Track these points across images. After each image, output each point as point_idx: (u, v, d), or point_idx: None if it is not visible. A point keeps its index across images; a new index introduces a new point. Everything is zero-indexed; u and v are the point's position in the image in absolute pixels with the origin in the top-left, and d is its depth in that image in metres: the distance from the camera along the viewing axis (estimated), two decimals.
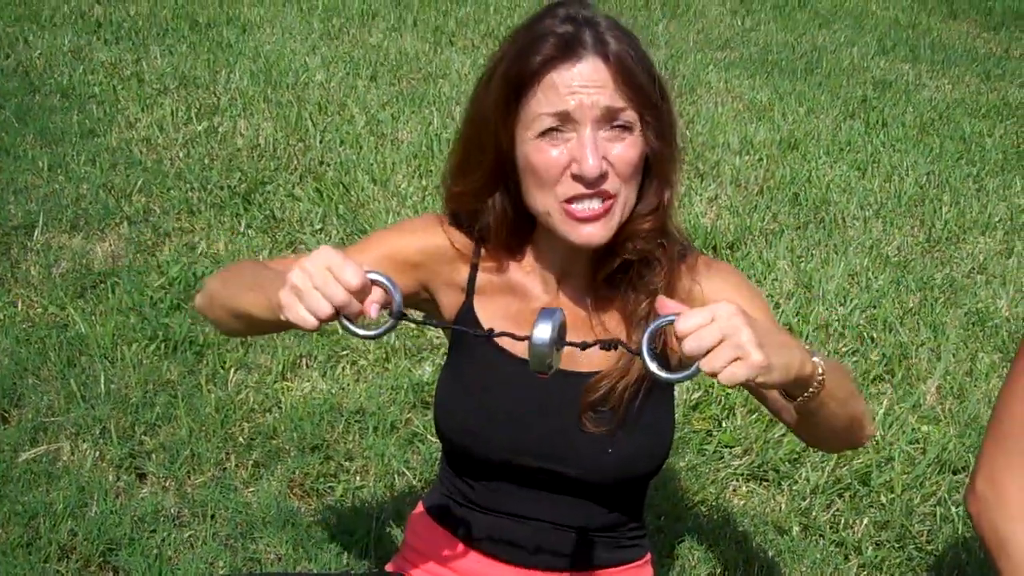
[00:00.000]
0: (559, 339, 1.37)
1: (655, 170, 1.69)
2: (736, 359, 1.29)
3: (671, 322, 1.32)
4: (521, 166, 1.66)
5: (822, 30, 8.95)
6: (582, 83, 1.59)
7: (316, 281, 1.33)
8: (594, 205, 1.63)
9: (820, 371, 1.47)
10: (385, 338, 3.53)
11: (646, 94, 1.62)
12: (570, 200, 1.63)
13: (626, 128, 1.62)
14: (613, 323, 1.78)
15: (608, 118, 1.60)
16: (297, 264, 1.36)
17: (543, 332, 1.35)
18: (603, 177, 1.61)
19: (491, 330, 1.49)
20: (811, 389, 1.47)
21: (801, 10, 9.51)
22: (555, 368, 1.39)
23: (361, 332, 1.36)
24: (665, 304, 1.35)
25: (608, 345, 1.45)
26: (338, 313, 1.34)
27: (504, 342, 1.76)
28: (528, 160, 1.64)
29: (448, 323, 1.66)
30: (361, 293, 1.35)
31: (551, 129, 1.61)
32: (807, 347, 1.47)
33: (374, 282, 1.37)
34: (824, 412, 1.55)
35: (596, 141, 1.60)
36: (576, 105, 1.59)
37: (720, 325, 1.29)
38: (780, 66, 7.72)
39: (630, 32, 1.66)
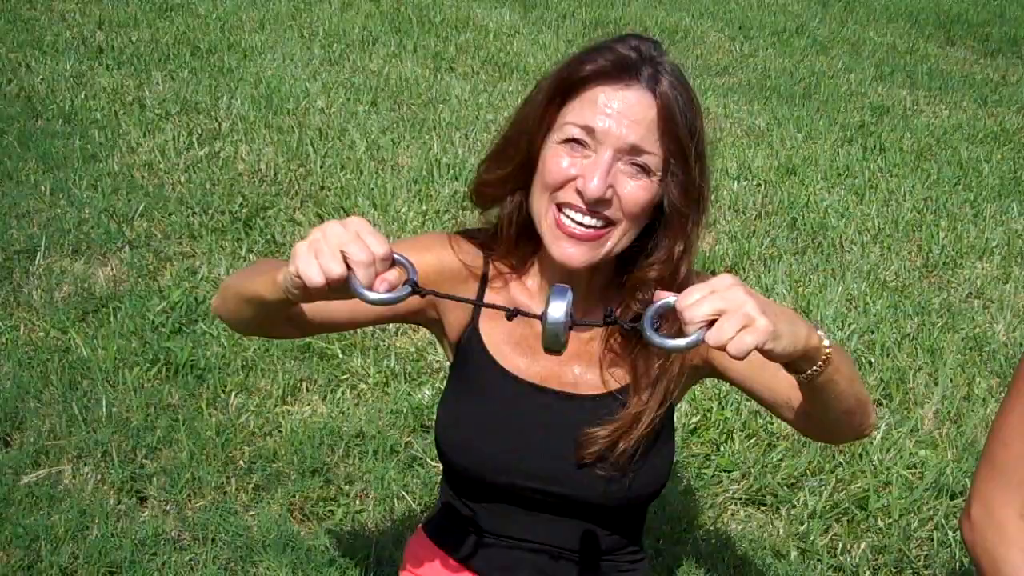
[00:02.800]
0: (571, 316, 1.37)
1: (671, 223, 1.68)
2: (744, 327, 1.27)
3: (672, 304, 1.31)
4: (538, 167, 1.67)
5: (820, 56, 8.99)
6: (622, 108, 1.59)
7: (342, 239, 1.32)
8: (590, 222, 1.63)
9: (827, 344, 1.45)
10: (385, 361, 3.56)
11: (680, 145, 1.61)
12: (564, 205, 1.64)
13: (645, 170, 1.61)
14: (617, 351, 1.79)
15: (631, 153, 1.60)
16: (326, 222, 1.35)
17: (557, 310, 1.35)
18: (604, 203, 1.61)
19: (516, 309, 1.47)
20: (819, 362, 1.45)
21: (799, 36, 9.55)
22: (566, 347, 1.38)
23: (369, 294, 1.34)
24: (661, 293, 1.34)
25: (610, 321, 1.44)
26: (348, 275, 1.32)
27: (507, 364, 1.77)
28: (544, 161, 1.65)
29: (470, 299, 1.64)
30: (382, 264, 1.33)
31: (574, 140, 1.62)
32: (810, 322, 1.46)
33: (394, 261, 1.36)
34: (833, 390, 1.53)
35: (609, 168, 1.60)
36: (604, 128, 1.59)
37: (721, 295, 1.28)
38: (778, 92, 7.75)
39: (690, 86, 1.65)
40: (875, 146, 6.67)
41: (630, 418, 1.74)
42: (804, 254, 4.96)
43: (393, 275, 1.35)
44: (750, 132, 6.70)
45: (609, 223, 1.64)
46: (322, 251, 1.32)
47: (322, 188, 5.04)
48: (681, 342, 1.30)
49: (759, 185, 5.72)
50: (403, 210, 4.86)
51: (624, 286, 1.74)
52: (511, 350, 1.80)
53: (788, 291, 4.49)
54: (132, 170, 5.04)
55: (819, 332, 1.45)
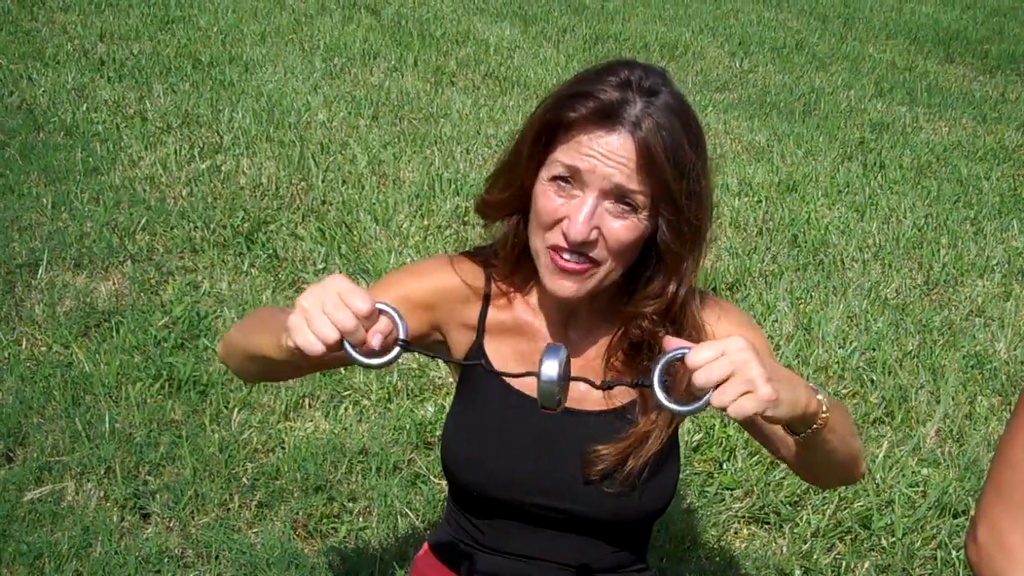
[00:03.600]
0: (566, 375, 1.38)
1: (664, 260, 1.68)
2: (746, 392, 1.32)
3: (683, 356, 1.34)
4: (533, 201, 1.68)
5: (819, 73, 9.01)
6: (604, 152, 1.58)
7: (326, 306, 1.34)
8: (577, 259, 1.64)
9: (824, 408, 1.50)
10: (387, 378, 3.56)
11: (667, 186, 1.60)
12: (554, 247, 1.65)
13: (632, 208, 1.61)
14: (619, 368, 1.79)
15: (616, 195, 1.60)
16: (308, 289, 1.37)
17: (550, 369, 1.36)
18: (589, 244, 1.62)
19: (492, 369, 1.50)
20: (815, 425, 1.50)
21: (799, 53, 9.57)
22: (563, 404, 1.40)
23: (365, 360, 1.37)
24: (671, 341, 1.37)
25: (612, 385, 1.47)
26: (343, 340, 1.35)
27: (512, 379, 1.78)
28: (536, 199, 1.66)
29: (452, 357, 1.67)
30: (368, 321, 1.36)
31: (561, 178, 1.62)
32: (811, 385, 1.50)
33: (381, 311, 1.38)
34: (825, 448, 1.57)
35: (594, 210, 1.60)
36: (588, 168, 1.59)
37: (731, 359, 1.32)
38: (778, 108, 7.77)
39: (684, 116, 1.63)
40: (875, 163, 6.68)
41: (639, 436, 1.75)
42: (805, 271, 4.97)
43: (383, 325, 1.38)
44: (750, 148, 6.71)
45: (594, 262, 1.65)
46: (312, 320, 1.35)
47: (324, 202, 5.04)
48: (687, 408, 1.34)
49: (760, 202, 5.73)
50: (405, 225, 4.87)
51: (622, 313, 1.75)
52: (516, 366, 1.80)
53: (790, 308, 4.49)
54: (134, 183, 5.04)
55: (818, 396, 1.49)
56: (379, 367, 1.38)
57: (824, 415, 1.49)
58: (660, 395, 1.34)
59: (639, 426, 1.75)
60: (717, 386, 1.32)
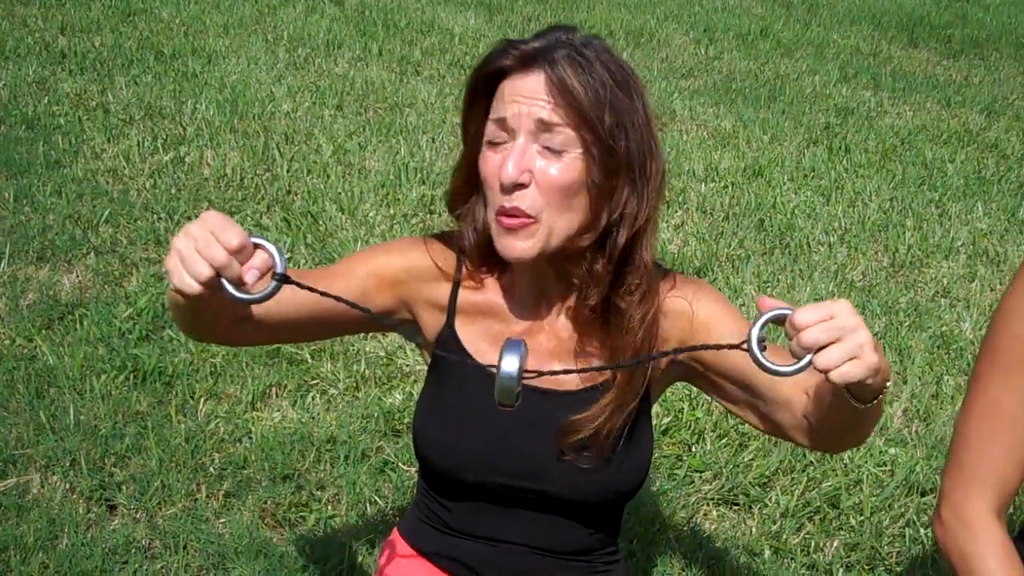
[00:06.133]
0: (523, 371, 1.36)
1: (595, 193, 1.64)
2: (853, 358, 1.30)
3: (787, 316, 1.31)
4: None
5: (784, 59, 9.03)
6: (526, 95, 1.59)
7: (198, 244, 1.32)
8: (515, 212, 1.62)
9: (890, 377, 1.47)
10: (355, 366, 3.55)
11: (585, 117, 1.59)
12: (499, 212, 1.64)
13: (562, 148, 1.60)
14: (595, 347, 1.78)
15: (544, 130, 1.59)
16: (182, 228, 1.35)
17: (510, 364, 1.34)
18: (522, 187, 1.61)
19: (465, 360, 1.47)
20: (881, 394, 1.48)
21: (763, 39, 9.59)
22: (519, 401, 1.38)
23: (241, 296, 1.34)
24: (768, 301, 1.35)
25: (633, 363, 1.44)
26: (219, 276, 1.33)
27: (484, 359, 1.77)
28: (480, 168, 1.67)
29: (354, 303, 1.51)
30: (242, 255, 1.33)
31: (495, 141, 1.63)
32: None
33: (257, 246, 1.35)
34: (874, 413, 1.55)
35: (524, 152, 1.60)
36: (513, 114, 1.60)
37: (840, 323, 1.30)
38: (744, 94, 7.78)
39: (614, 63, 1.63)
40: (840, 147, 6.70)
41: (613, 400, 1.74)
42: (772, 255, 4.98)
43: (259, 261, 1.35)
44: (716, 134, 6.72)
45: (527, 217, 1.62)
46: (185, 258, 1.33)
47: (289, 192, 5.02)
48: (789, 368, 1.31)
49: (726, 187, 5.74)
50: (371, 214, 4.85)
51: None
52: (489, 348, 1.80)
53: (757, 291, 4.50)
54: (96, 176, 5.00)
55: None
56: (254, 302, 1.35)
57: (889, 384, 1.47)
58: (759, 356, 1.32)
59: (611, 390, 1.74)
60: (819, 349, 1.30)
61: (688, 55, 8.82)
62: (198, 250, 1.32)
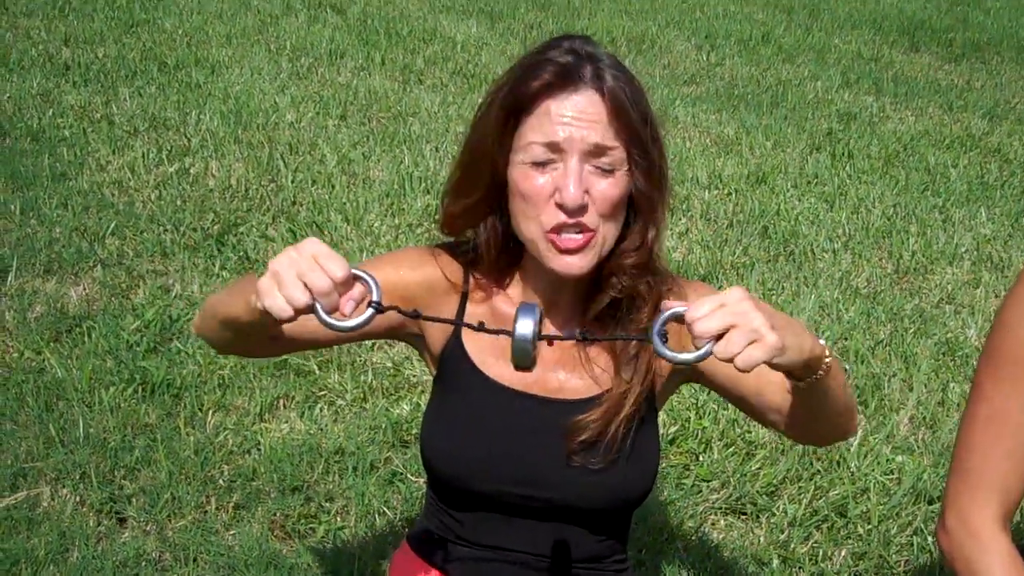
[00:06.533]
0: (539, 333, 1.38)
1: (641, 209, 1.70)
2: (752, 342, 1.31)
3: (682, 314, 1.33)
4: (511, 190, 1.68)
5: (786, 65, 9.04)
6: (575, 114, 1.61)
7: (300, 268, 1.32)
8: (575, 235, 1.64)
9: (827, 352, 1.48)
10: (362, 377, 3.56)
11: (637, 134, 1.64)
12: (553, 230, 1.65)
13: (612, 167, 1.63)
14: (602, 358, 1.80)
15: (596, 154, 1.62)
16: (283, 251, 1.35)
17: (525, 327, 1.36)
18: (583, 209, 1.63)
19: (481, 323, 1.48)
20: (820, 370, 1.48)
21: (765, 45, 9.60)
22: (535, 363, 1.40)
23: (337, 323, 1.34)
24: (668, 303, 1.36)
25: (594, 339, 1.45)
26: (314, 304, 1.33)
27: (489, 371, 1.78)
28: (517, 185, 1.66)
29: (437, 317, 1.57)
30: (343, 287, 1.34)
31: (540, 161, 1.63)
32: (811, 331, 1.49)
33: (355, 277, 1.36)
34: (828, 395, 1.56)
35: (581, 173, 1.61)
36: (566, 137, 1.61)
37: (732, 310, 1.31)
38: (746, 100, 7.79)
39: (629, 71, 1.68)
40: (843, 153, 6.71)
41: (616, 398, 1.75)
42: (776, 262, 4.99)
43: (357, 292, 1.35)
44: (719, 141, 6.73)
45: (588, 230, 1.65)
46: (284, 282, 1.32)
47: (294, 203, 5.03)
48: (689, 355, 1.32)
49: (730, 194, 5.75)
50: (376, 224, 4.86)
51: (601, 276, 1.75)
52: (495, 359, 1.80)
53: (761, 299, 4.50)
54: (102, 188, 5.01)
55: (821, 342, 1.48)
56: (351, 330, 1.35)
57: (828, 359, 1.48)
58: (658, 344, 1.33)
59: (615, 389, 1.76)
60: (719, 338, 1.31)
61: (690, 61, 8.83)
62: (299, 275, 1.32)
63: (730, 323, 1.30)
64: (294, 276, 1.32)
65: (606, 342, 1.80)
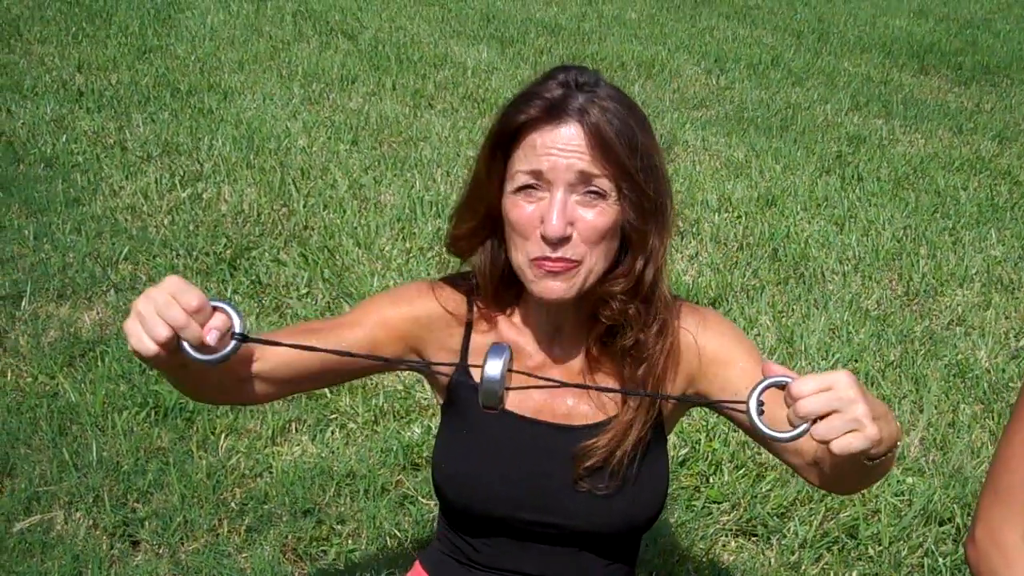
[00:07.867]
0: (508, 374, 1.39)
1: (631, 241, 1.72)
2: (852, 431, 1.31)
3: (785, 384, 1.33)
4: (504, 219, 1.72)
5: (795, 88, 9.06)
6: (560, 146, 1.63)
7: (158, 304, 1.37)
8: (559, 256, 1.66)
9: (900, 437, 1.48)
10: (374, 400, 3.57)
11: (622, 166, 1.65)
12: (537, 259, 1.67)
13: (599, 195, 1.65)
14: (608, 383, 1.81)
15: (582, 182, 1.64)
16: (143, 292, 1.40)
17: (493, 368, 1.37)
18: (566, 240, 1.65)
19: (427, 361, 1.50)
20: (890, 453, 1.47)
21: (774, 69, 9.62)
22: (504, 404, 1.41)
23: (199, 356, 1.38)
24: (772, 367, 1.36)
25: (636, 394, 1.46)
26: (178, 337, 1.37)
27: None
28: (507, 214, 1.70)
29: (353, 352, 1.59)
30: (200, 316, 1.37)
31: (527, 186, 1.66)
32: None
33: (216, 308, 1.40)
34: (883, 466, 1.54)
35: (565, 204, 1.64)
36: (550, 166, 1.63)
37: (838, 395, 1.31)
38: (755, 124, 7.81)
39: (627, 100, 1.69)
40: (853, 176, 6.72)
41: (623, 424, 1.77)
42: (786, 284, 5.00)
43: (219, 322, 1.40)
44: (729, 164, 6.75)
45: (574, 263, 1.67)
46: (145, 320, 1.37)
47: (306, 228, 5.06)
48: (785, 435, 1.33)
49: (740, 217, 5.76)
50: (387, 248, 4.88)
51: (594, 302, 1.76)
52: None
53: (772, 321, 4.52)
54: (115, 213, 5.05)
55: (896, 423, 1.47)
56: (215, 362, 1.39)
57: (900, 442, 1.48)
58: (756, 420, 1.34)
59: (621, 415, 1.78)
60: (821, 418, 1.31)
61: (699, 85, 8.86)
62: (158, 311, 1.37)
63: (834, 408, 1.31)
64: (153, 312, 1.37)
65: (611, 369, 1.81)
